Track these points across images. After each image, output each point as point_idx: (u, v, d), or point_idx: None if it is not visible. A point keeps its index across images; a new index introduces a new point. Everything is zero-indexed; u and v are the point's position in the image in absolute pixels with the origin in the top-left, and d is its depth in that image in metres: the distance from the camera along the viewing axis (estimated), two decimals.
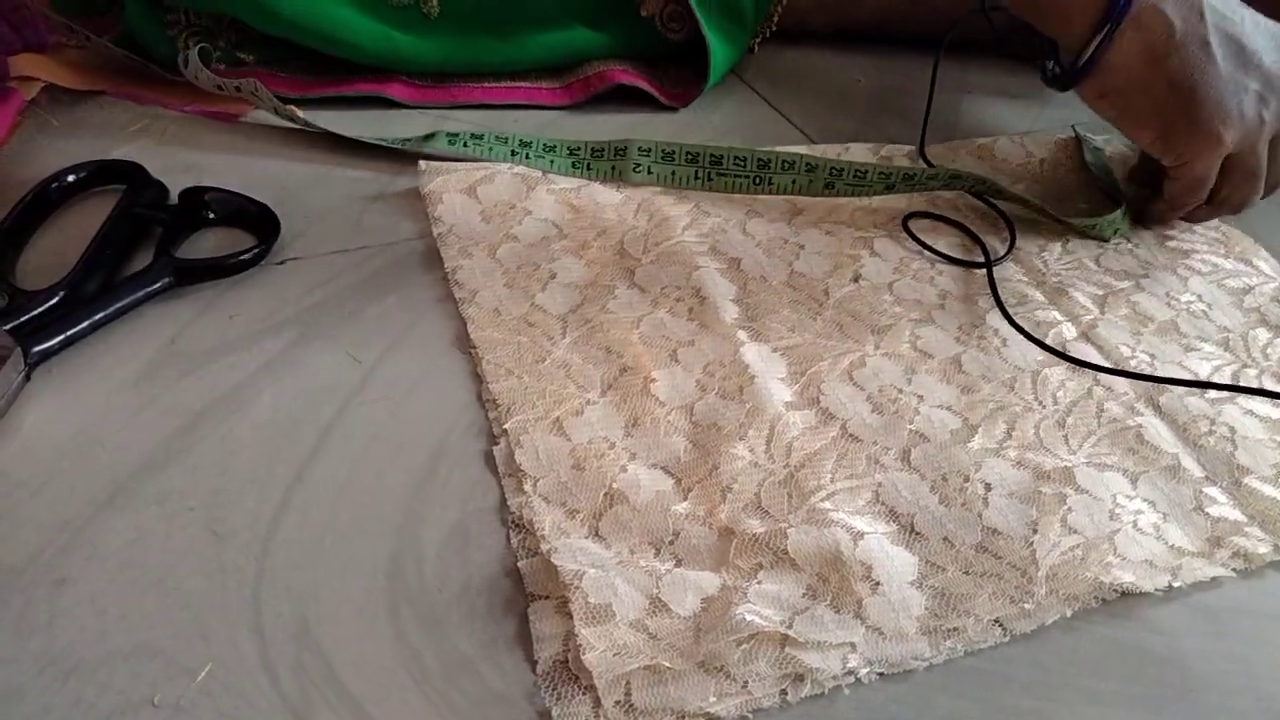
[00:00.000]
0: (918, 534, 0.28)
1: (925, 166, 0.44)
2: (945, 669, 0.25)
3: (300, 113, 0.42)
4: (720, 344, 0.34)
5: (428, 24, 0.45)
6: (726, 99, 0.50)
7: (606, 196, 0.41)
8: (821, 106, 0.50)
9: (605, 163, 0.41)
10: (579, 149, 0.41)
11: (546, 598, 0.26)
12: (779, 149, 0.41)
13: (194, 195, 0.38)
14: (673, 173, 0.41)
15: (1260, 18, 0.40)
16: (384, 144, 0.42)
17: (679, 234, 0.39)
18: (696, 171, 0.40)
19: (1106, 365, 0.35)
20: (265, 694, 0.23)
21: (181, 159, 0.41)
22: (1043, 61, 0.42)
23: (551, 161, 0.41)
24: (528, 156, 0.41)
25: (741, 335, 0.35)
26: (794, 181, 0.40)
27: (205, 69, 0.41)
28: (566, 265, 0.37)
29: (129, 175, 0.39)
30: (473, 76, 0.47)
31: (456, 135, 0.41)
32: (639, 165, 0.40)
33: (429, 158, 0.41)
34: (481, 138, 0.41)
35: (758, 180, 0.41)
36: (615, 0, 0.47)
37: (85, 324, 0.32)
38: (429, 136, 0.41)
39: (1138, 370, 0.35)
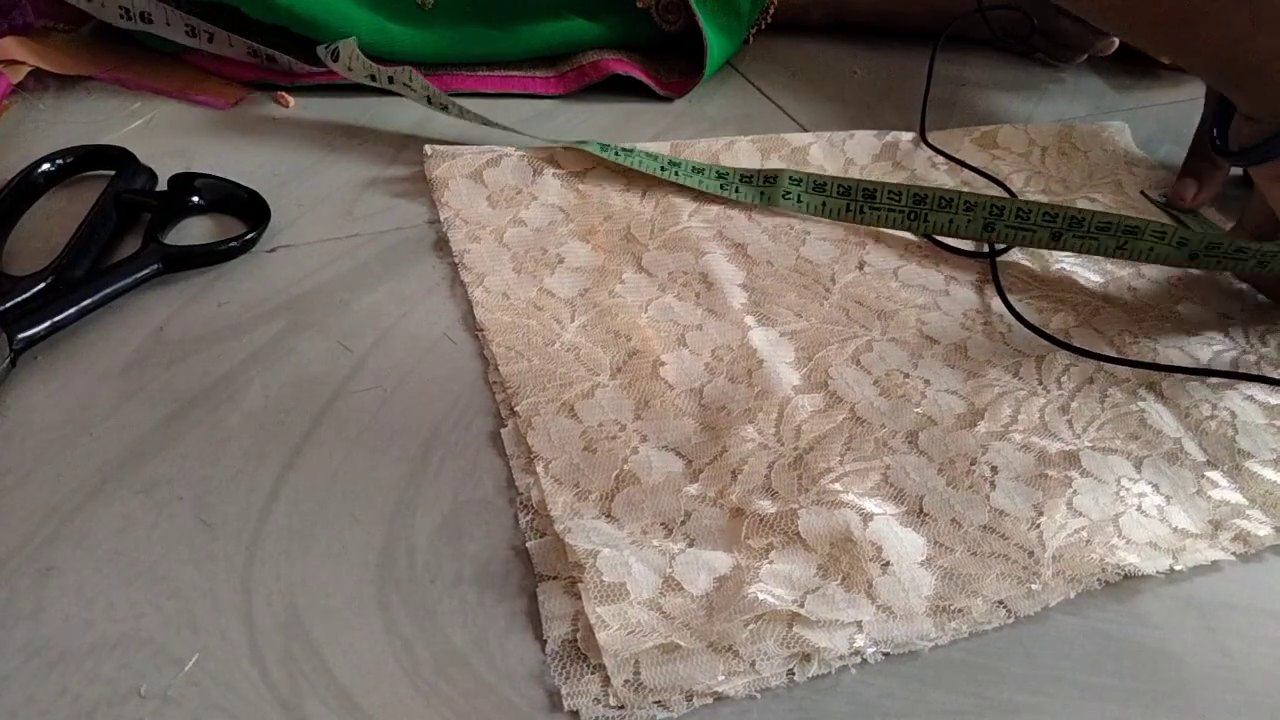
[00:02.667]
0: (926, 515, 0.28)
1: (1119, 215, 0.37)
2: (940, 664, 0.25)
3: (453, 105, 0.40)
4: (728, 328, 0.34)
5: (423, 15, 0.45)
6: (722, 89, 0.50)
7: (612, 181, 0.41)
8: (817, 97, 0.50)
9: (754, 188, 0.40)
10: (728, 174, 0.40)
11: (555, 578, 0.25)
12: (933, 187, 0.39)
13: (183, 181, 0.37)
14: (823, 203, 0.39)
15: None
16: (553, 144, 0.40)
17: (685, 220, 0.39)
18: (849, 204, 0.39)
19: (1108, 350, 0.35)
20: (254, 684, 0.22)
21: (171, 144, 0.40)
22: (1209, 129, 0.40)
23: (700, 180, 0.40)
24: (677, 174, 0.40)
25: (749, 320, 0.34)
26: (951, 221, 0.38)
27: (361, 56, 0.40)
28: (574, 250, 0.37)
29: (117, 160, 0.38)
30: (467, 65, 0.47)
31: (608, 145, 0.40)
32: (789, 193, 0.39)
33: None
34: (632, 151, 0.40)
35: (912, 216, 0.38)
36: None
37: (72, 310, 0.31)
38: (582, 141, 0.40)
39: (1139, 357, 0.36)
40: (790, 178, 0.39)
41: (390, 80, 0.40)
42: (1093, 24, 0.41)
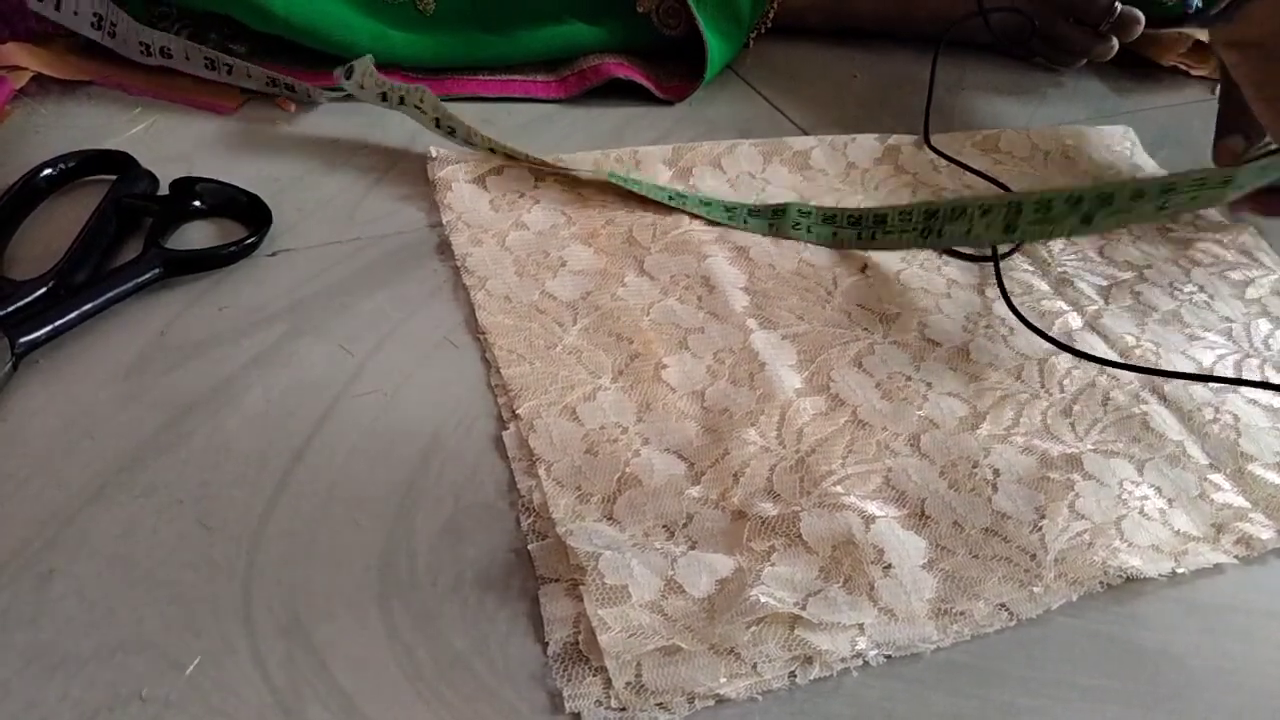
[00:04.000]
0: (928, 518, 0.28)
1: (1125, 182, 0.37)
2: (941, 666, 0.25)
3: (462, 127, 0.40)
4: (730, 331, 0.34)
5: (424, 21, 0.45)
6: (722, 93, 0.50)
7: (613, 186, 0.41)
8: (817, 101, 0.51)
9: (763, 220, 0.39)
10: (735, 208, 0.40)
11: (557, 580, 0.25)
12: (944, 200, 0.38)
13: (184, 186, 0.37)
14: (834, 233, 0.39)
15: None
16: (566, 171, 0.40)
17: (688, 223, 0.39)
18: (860, 233, 0.38)
19: (1112, 355, 0.35)
20: (255, 688, 0.22)
21: (172, 149, 0.40)
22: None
23: (708, 211, 0.39)
24: (684, 204, 0.39)
25: (751, 323, 0.34)
26: (969, 231, 0.35)
27: (375, 73, 0.40)
28: (576, 253, 0.37)
29: (119, 165, 0.38)
30: (467, 70, 0.47)
31: (617, 176, 0.39)
32: (798, 224, 0.39)
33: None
34: (639, 182, 0.39)
35: (925, 232, 0.36)
36: None
37: (73, 315, 0.31)
38: (595, 172, 0.40)
39: (1143, 360, 0.36)
40: (799, 210, 0.39)
41: (401, 101, 0.40)
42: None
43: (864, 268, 0.38)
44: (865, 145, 0.46)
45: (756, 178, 0.43)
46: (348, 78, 0.40)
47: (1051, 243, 0.41)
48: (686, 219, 0.39)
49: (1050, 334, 0.35)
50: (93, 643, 0.23)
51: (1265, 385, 0.35)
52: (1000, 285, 0.37)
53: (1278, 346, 0.37)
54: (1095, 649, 0.26)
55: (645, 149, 0.43)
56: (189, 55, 0.43)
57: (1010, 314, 0.36)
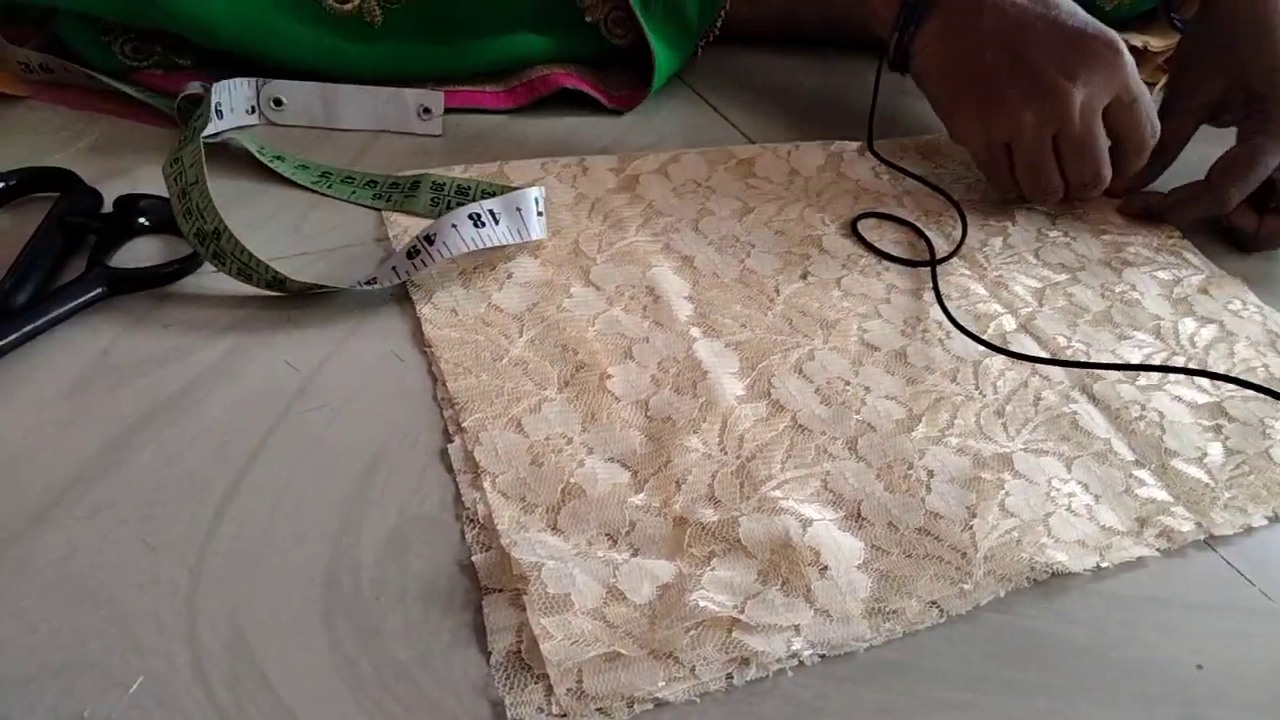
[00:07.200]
0: (864, 519, 0.29)
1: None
2: (874, 664, 0.26)
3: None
4: (674, 340, 0.35)
5: (371, 32, 0.45)
6: (670, 102, 0.50)
7: (560, 196, 0.41)
8: (764, 109, 0.51)
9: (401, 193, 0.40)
10: (378, 180, 0.41)
11: (501, 591, 0.26)
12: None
13: (128, 202, 0.37)
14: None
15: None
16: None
17: (633, 234, 0.40)
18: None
19: (1043, 355, 0.37)
20: (199, 705, 0.23)
21: (116, 165, 0.40)
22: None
23: (351, 192, 0.40)
24: (329, 186, 0.40)
25: (695, 331, 0.35)
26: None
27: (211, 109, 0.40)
28: (523, 265, 0.37)
29: (62, 182, 0.38)
30: (416, 81, 0.47)
31: (265, 150, 0.41)
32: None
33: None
34: (283, 158, 0.41)
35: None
36: (560, 7, 0.47)
37: (15, 335, 0.31)
38: (265, 150, 0.41)
39: (1074, 359, 0.37)
40: (434, 183, 0.40)
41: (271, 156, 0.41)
42: None
43: (805, 275, 0.39)
44: (809, 153, 0.47)
45: (702, 186, 0.43)
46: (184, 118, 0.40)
47: (988, 247, 0.43)
48: (633, 229, 0.40)
49: (985, 336, 0.37)
50: (34, 665, 0.23)
51: (1184, 370, 0.36)
52: (936, 290, 0.38)
53: (1203, 344, 0.39)
54: (1022, 643, 0.27)
55: (593, 158, 0.44)
56: (68, 69, 0.43)
57: (946, 318, 0.37)
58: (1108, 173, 0.42)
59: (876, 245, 0.41)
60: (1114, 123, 0.42)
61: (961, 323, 0.37)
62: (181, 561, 0.26)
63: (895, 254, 0.41)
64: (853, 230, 0.42)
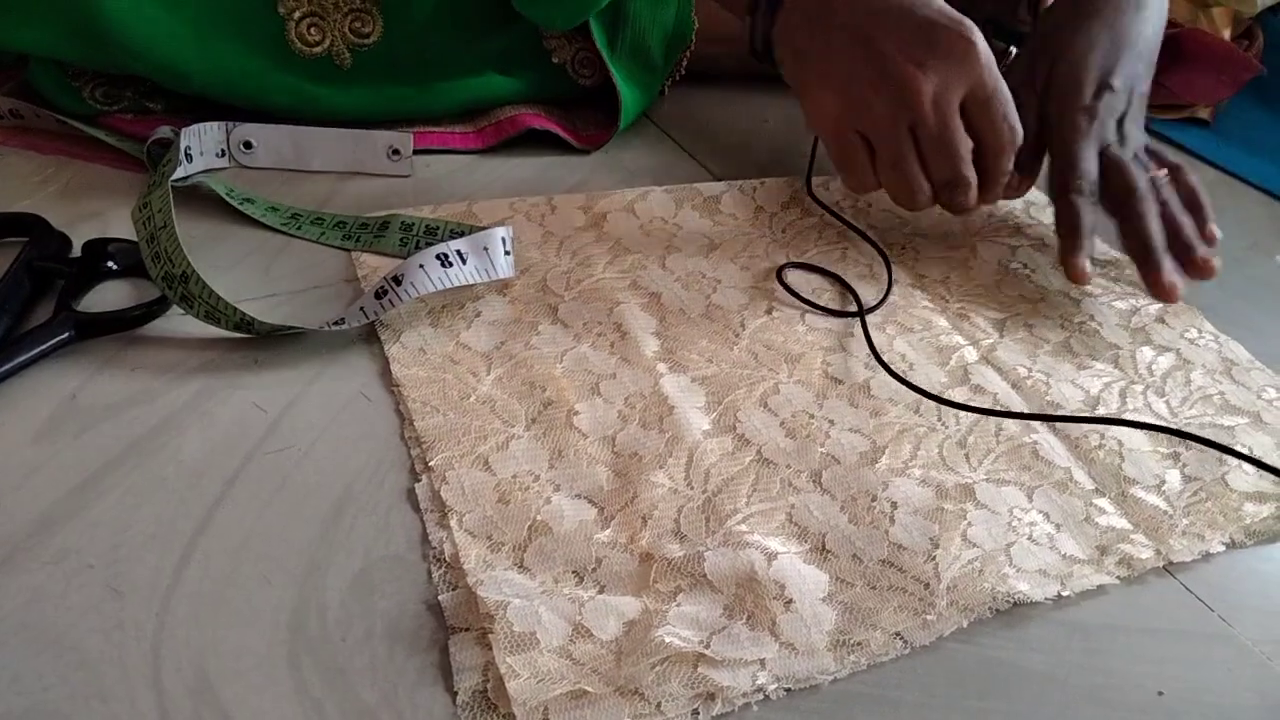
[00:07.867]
0: (828, 552, 0.29)
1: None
2: (838, 697, 0.26)
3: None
4: (641, 376, 0.35)
5: (341, 75, 0.46)
6: (637, 140, 0.51)
7: (529, 234, 0.42)
8: (730, 146, 0.53)
9: (369, 234, 0.41)
10: (347, 222, 0.42)
11: (467, 630, 0.26)
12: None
13: (97, 247, 0.37)
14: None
15: None
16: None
17: (600, 271, 0.40)
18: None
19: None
20: None
21: (85, 209, 0.40)
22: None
23: (321, 234, 0.41)
24: (299, 228, 0.41)
25: (661, 367, 0.36)
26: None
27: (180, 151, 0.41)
28: (491, 303, 0.38)
29: (30, 227, 0.38)
30: (386, 123, 0.47)
31: (234, 192, 0.41)
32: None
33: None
34: (254, 201, 0.42)
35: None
36: (528, 48, 0.48)
37: None
38: (231, 192, 0.41)
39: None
40: (403, 223, 0.41)
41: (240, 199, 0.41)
42: None
43: (770, 310, 0.40)
44: (774, 189, 0.48)
45: (669, 223, 0.44)
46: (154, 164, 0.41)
47: (950, 280, 0.44)
48: (600, 267, 0.40)
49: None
50: None
51: (1132, 425, 0.36)
52: (867, 337, 0.38)
53: (1160, 372, 0.40)
54: (984, 673, 0.27)
55: (561, 196, 0.45)
56: (39, 114, 0.43)
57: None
58: (969, 174, 0.40)
59: (807, 293, 0.41)
60: (971, 120, 0.40)
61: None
62: (147, 606, 0.26)
63: (845, 291, 0.41)
64: (779, 281, 0.41)
